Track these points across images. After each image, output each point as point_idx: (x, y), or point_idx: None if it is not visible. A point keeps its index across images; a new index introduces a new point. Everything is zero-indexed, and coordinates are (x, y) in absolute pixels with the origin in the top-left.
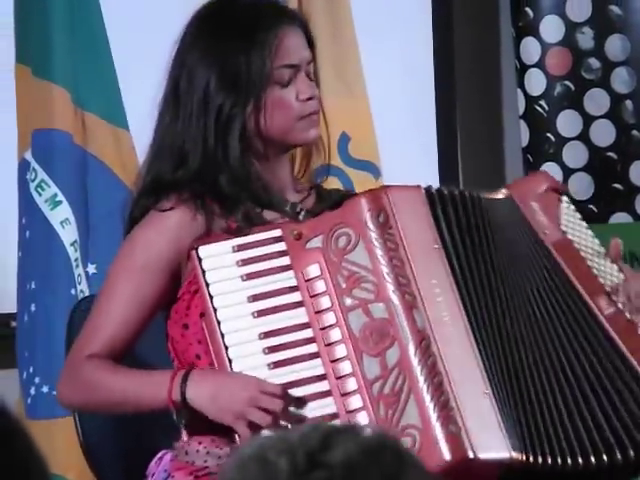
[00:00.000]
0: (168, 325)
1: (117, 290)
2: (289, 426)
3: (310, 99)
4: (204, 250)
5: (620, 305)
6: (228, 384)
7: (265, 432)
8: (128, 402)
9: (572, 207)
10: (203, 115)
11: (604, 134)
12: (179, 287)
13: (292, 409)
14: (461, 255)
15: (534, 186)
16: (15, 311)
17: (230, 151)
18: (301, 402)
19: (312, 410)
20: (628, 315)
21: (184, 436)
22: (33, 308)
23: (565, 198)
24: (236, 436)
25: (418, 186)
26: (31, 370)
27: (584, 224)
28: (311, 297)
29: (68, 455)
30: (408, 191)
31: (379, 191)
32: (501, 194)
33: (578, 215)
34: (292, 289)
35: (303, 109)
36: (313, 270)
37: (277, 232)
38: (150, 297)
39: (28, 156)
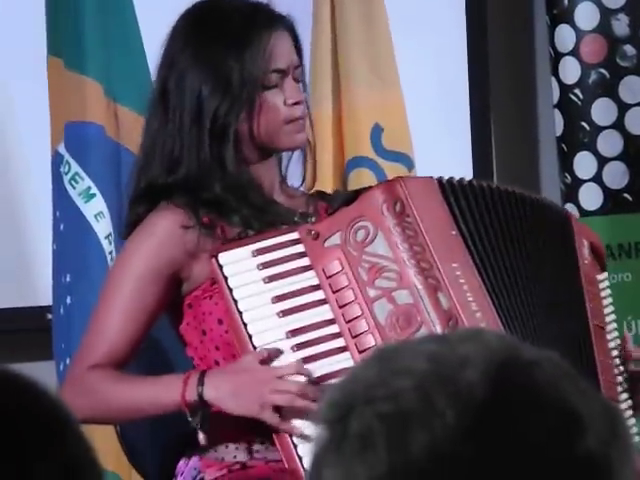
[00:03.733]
0: (184, 331)
1: (114, 300)
2: (314, 405)
3: (297, 103)
4: (224, 257)
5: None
6: (244, 377)
7: (292, 416)
8: (138, 408)
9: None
10: (196, 121)
11: (639, 122)
12: (180, 291)
13: (313, 385)
14: (476, 240)
15: (592, 234)
16: (50, 304)
17: (226, 158)
18: (322, 378)
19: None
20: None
21: (202, 440)
22: (69, 301)
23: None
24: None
25: (430, 177)
26: (68, 362)
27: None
28: (334, 293)
29: (106, 445)
30: (422, 181)
31: (393, 182)
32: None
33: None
34: (314, 288)
35: (290, 113)
36: (334, 266)
37: (294, 235)
38: (148, 305)
39: (61, 149)
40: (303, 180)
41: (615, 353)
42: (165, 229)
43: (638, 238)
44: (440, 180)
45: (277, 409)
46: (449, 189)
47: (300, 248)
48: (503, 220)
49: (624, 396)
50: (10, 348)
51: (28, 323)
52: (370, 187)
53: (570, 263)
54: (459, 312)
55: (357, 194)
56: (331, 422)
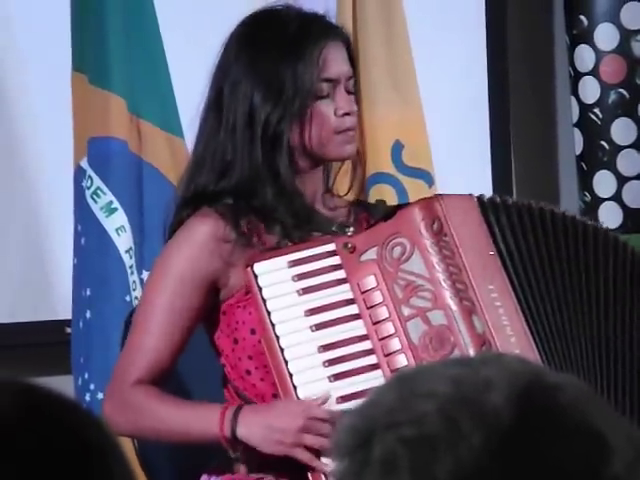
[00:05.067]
0: (217, 338)
1: (154, 309)
2: None
3: (347, 114)
4: (259, 267)
5: None
6: (277, 418)
7: (324, 459)
8: (177, 433)
9: None
10: (248, 128)
11: None
12: (217, 299)
13: None
14: (516, 261)
15: None
16: (70, 317)
17: (280, 166)
18: (352, 396)
19: None
20: None
21: (242, 471)
22: (88, 315)
23: None
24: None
25: (470, 195)
26: (86, 376)
27: None
28: (368, 308)
29: None
30: (461, 199)
31: (432, 199)
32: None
33: None
34: (349, 302)
35: (340, 124)
36: (369, 282)
37: (331, 246)
38: (187, 312)
39: (84, 164)
40: (349, 190)
41: None
42: (203, 236)
43: None
44: (480, 198)
45: (309, 447)
46: (490, 208)
47: (336, 260)
48: (552, 244)
49: None
50: (29, 361)
51: (47, 337)
52: (409, 204)
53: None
54: (493, 336)
55: (395, 210)
56: (352, 449)
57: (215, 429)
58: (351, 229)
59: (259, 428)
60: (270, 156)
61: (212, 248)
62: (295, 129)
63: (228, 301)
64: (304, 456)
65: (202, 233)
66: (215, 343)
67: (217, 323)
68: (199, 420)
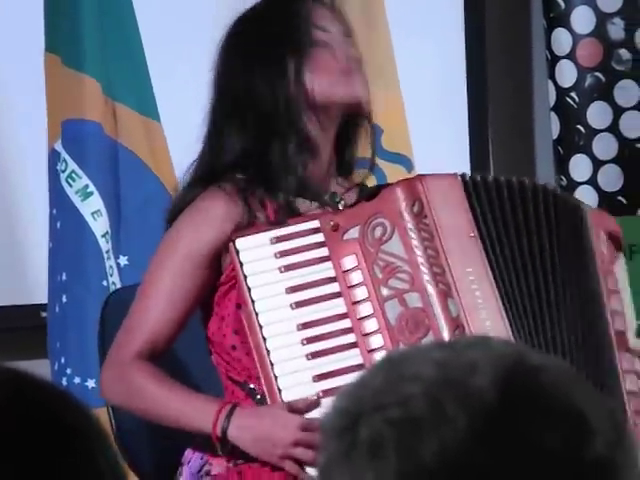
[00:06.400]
0: (210, 319)
1: (159, 282)
2: None
3: (348, 58)
4: (242, 242)
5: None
6: (270, 428)
7: (309, 470)
8: (171, 420)
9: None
10: (262, 120)
11: (634, 125)
12: (219, 280)
13: None
14: (495, 243)
15: (609, 222)
16: (46, 302)
17: (298, 121)
18: (330, 374)
19: None
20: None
21: (226, 462)
22: (64, 299)
23: (622, 255)
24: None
25: (454, 174)
26: (62, 361)
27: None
28: (348, 288)
29: None
30: (444, 179)
31: (414, 180)
32: (583, 205)
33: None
34: (330, 280)
35: (344, 66)
36: (350, 261)
37: (315, 223)
38: (191, 289)
39: (58, 146)
40: (373, 156)
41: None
42: (213, 212)
43: (632, 240)
44: (464, 177)
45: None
46: (472, 187)
47: (319, 237)
48: (533, 222)
49: None
50: (5, 346)
51: (23, 321)
52: (392, 184)
53: (588, 268)
54: (467, 320)
55: (379, 189)
56: (340, 430)
57: (209, 425)
58: (342, 202)
59: (250, 434)
60: (282, 146)
61: (219, 226)
62: (303, 81)
63: (222, 277)
64: (292, 468)
65: (209, 211)
66: (207, 327)
67: (211, 306)
68: (195, 413)
